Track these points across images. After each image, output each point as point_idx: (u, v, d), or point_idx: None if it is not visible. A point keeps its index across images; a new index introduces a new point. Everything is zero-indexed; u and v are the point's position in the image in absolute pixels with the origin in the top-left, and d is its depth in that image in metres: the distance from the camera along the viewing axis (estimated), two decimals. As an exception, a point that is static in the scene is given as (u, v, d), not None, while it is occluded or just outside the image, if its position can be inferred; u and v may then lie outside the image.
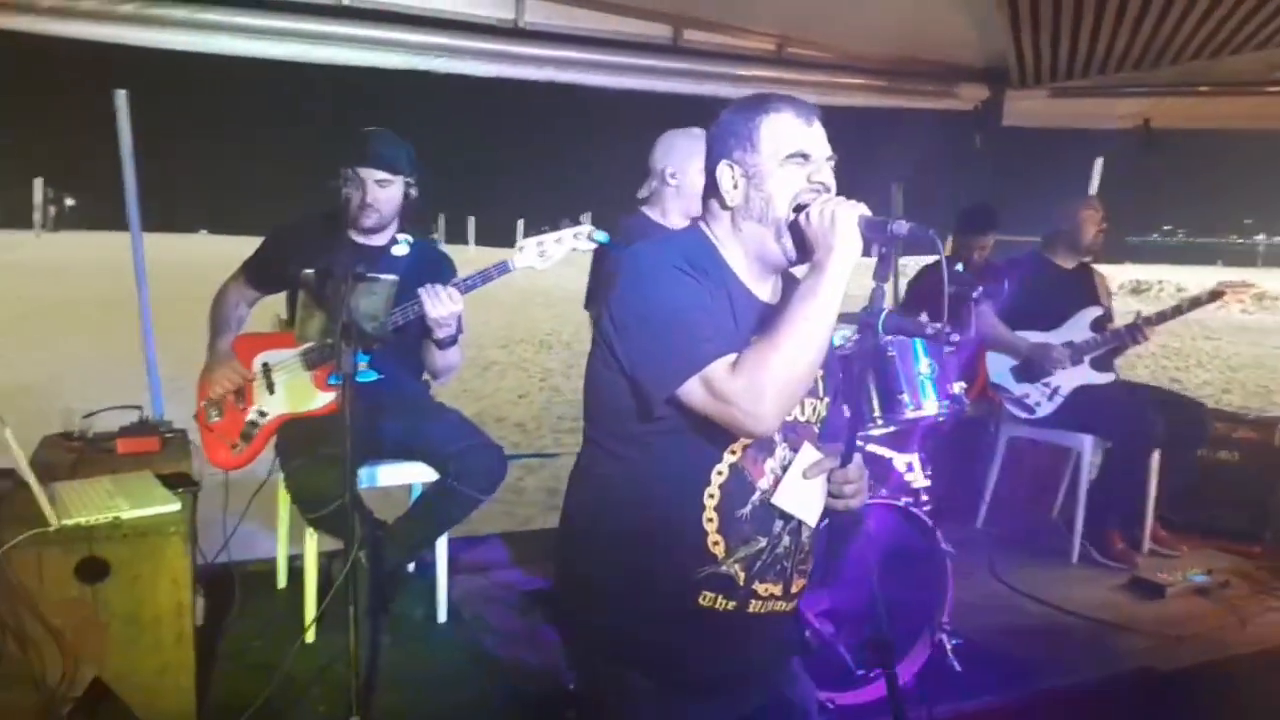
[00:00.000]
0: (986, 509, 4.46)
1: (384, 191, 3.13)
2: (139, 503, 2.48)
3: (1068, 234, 4.34)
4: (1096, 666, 3.17)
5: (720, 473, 1.71)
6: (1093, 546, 4.14)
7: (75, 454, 2.98)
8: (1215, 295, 4.28)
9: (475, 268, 3.06)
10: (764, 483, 1.75)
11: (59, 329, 13.52)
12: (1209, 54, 4.14)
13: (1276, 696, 3.11)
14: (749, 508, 1.74)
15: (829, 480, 1.80)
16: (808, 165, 1.75)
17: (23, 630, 2.29)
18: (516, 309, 18.93)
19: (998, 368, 4.30)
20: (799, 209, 1.72)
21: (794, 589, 1.83)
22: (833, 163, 1.78)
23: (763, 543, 1.76)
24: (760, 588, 1.77)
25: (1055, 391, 4.19)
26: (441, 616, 3.31)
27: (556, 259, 3.00)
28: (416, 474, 3.26)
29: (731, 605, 1.75)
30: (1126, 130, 5.38)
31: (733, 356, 1.62)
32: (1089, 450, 4.17)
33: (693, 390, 1.62)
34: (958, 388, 3.10)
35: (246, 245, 3.56)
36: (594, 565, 1.80)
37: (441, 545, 3.25)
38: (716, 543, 1.71)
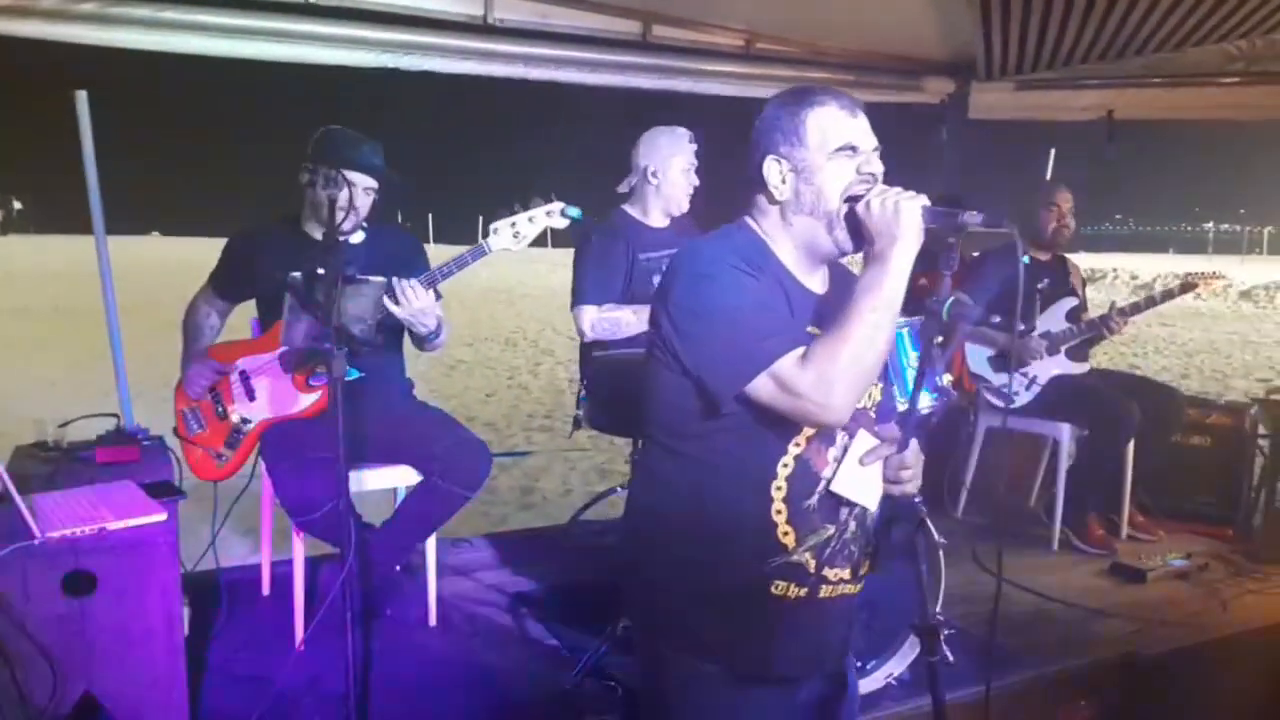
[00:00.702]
0: (966, 498, 4.49)
1: (368, 199, 3.10)
2: (125, 513, 2.41)
3: (1030, 228, 4.39)
4: (1082, 651, 3.20)
5: (786, 465, 1.74)
6: (1072, 533, 4.20)
7: (52, 465, 2.90)
8: (1187, 287, 4.36)
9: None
10: (828, 472, 1.78)
11: (13, 338, 13.22)
12: (1171, 46, 4.22)
13: (1259, 677, 3.17)
14: (815, 498, 1.77)
15: (886, 466, 1.81)
16: (857, 157, 1.76)
17: (9, 647, 2.23)
18: (479, 307, 18.84)
19: (976, 357, 4.34)
20: (851, 200, 1.73)
21: (861, 571, 1.86)
22: (878, 152, 1.79)
23: (831, 530, 1.79)
24: (830, 573, 1.80)
25: (1033, 381, 4.23)
26: (432, 620, 3.28)
27: (530, 238, 2.95)
28: (402, 478, 3.23)
29: (803, 592, 1.78)
30: (1090, 121, 5.46)
31: (800, 350, 1.63)
32: (1067, 438, 4.22)
33: (761, 386, 1.64)
34: (946, 380, 3.11)
35: (201, 247, 3.52)
36: (666, 562, 1.82)
37: (430, 546, 3.22)
38: (786, 533, 1.74)
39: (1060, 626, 3.41)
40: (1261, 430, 4.47)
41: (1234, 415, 4.53)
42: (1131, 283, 27.07)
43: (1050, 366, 4.23)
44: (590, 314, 3.36)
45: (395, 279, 2.89)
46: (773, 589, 1.76)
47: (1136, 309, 4.32)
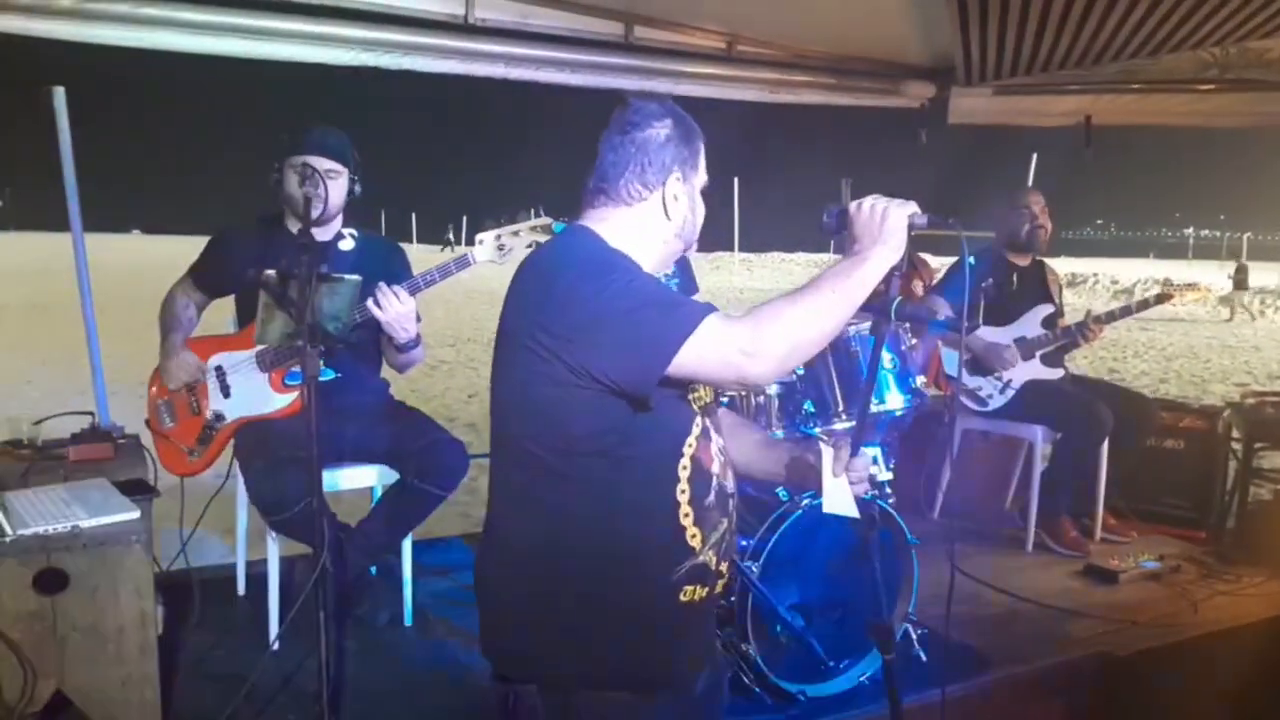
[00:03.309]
0: (942, 499, 4.52)
1: (332, 183, 3.07)
2: (97, 511, 2.41)
3: (1007, 232, 4.42)
4: (1055, 652, 3.23)
5: (685, 467, 1.72)
6: (1047, 535, 4.23)
7: (25, 462, 2.88)
8: (1163, 298, 4.41)
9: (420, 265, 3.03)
10: (715, 467, 1.78)
11: (-12, 335, 13.11)
12: (1147, 53, 4.25)
13: (1229, 677, 3.21)
14: (712, 495, 1.76)
15: (850, 470, 1.86)
16: None
17: (-21, 645, 2.22)
18: (461, 307, 18.81)
19: (952, 360, 4.37)
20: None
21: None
22: None
23: (725, 523, 1.80)
24: (722, 568, 1.81)
25: (1007, 385, 4.26)
26: (408, 620, 3.28)
27: (517, 255, 2.94)
28: (377, 476, 3.22)
29: (705, 592, 1.77)
30: (1068, 127, 5.50)
31: (723, 313, 1.61)
32: (1041, 441, 4.25)
33: (687, 353, 1.56)
34: (919, 382, 3.14)
35: (182, 245, 3.51)
36: (570, 601, 1.70)
37: (406, 547, 3.22)
38: (694, 535, 1.73)
39: (1034, 627, 3.44)
40: (1234, 434, 4.52)
41: (1207, 419, 4.57)
42: (1112, 287, 27.31)
43: (1025, 371, 4.26)
44: None
45: (379, 284, 2.89)
46: (681, 596, 1.72)
47: (1112, 317, 4.37)
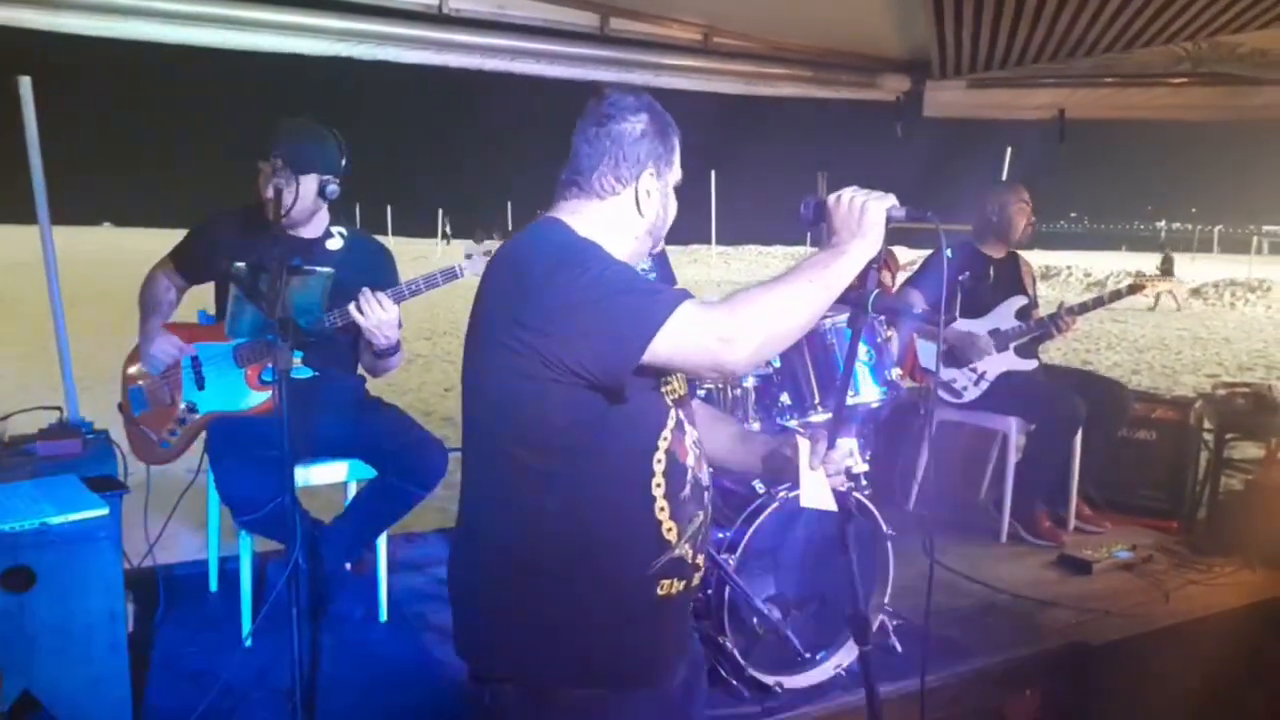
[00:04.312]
0: (917, 491, 4.54)
1: (301, 185, 3.00)
2: (66, 508, 2.37)
3: (997, 225, 4.42)
4: (1029, 642, 3.26)
5: (660, 461, 1.71)
6: (1021, 526, 4.26)
7: (-8, 458, 2.85)
8: (1135, 288, 4.44)
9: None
10: (690, 460, 1.77)
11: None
12: (1120, 47, 4.27)
13: (1200, 665, 3.24)
14: (687, 488, 1.75)
15: (827, 463, 1.86)
16: None
17: (-55, 644, 2.19)
18: (437, 301, 18.67)
19: (926, 353, 4.39)
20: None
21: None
22: None
23: (701, 516, 1.79)
24: (699, 560, 1.80)
25: (981, 377, 4.28)
26: (383, 616, 3.26)
27: None
28: (349, 472, 3.20)
29: (681, 586, 1.76)
30: (1042, 120, 5.53)
31: (697, 299, 1.59)
32: (1015, 432, 4.28)
33: (662, 340, 1.54)
34: (895, 374, 3.15)
35: (153, 238, 3.46)
36: (546, 600, 1.69)
37: (382, 542, 3.20)
38: (670, 529, 1.71)
39: (1008, 617, 3.47)
40: (1206, 425, 4.57)
41: (1179, 410, 4.61)
42: (1085, 280, 27.52)
43: (999, 363, 4.28)
44: None
45: (363, 290, 2.86)
46: (658, 590, 1.72)
47: (1085, 308, 4.40)
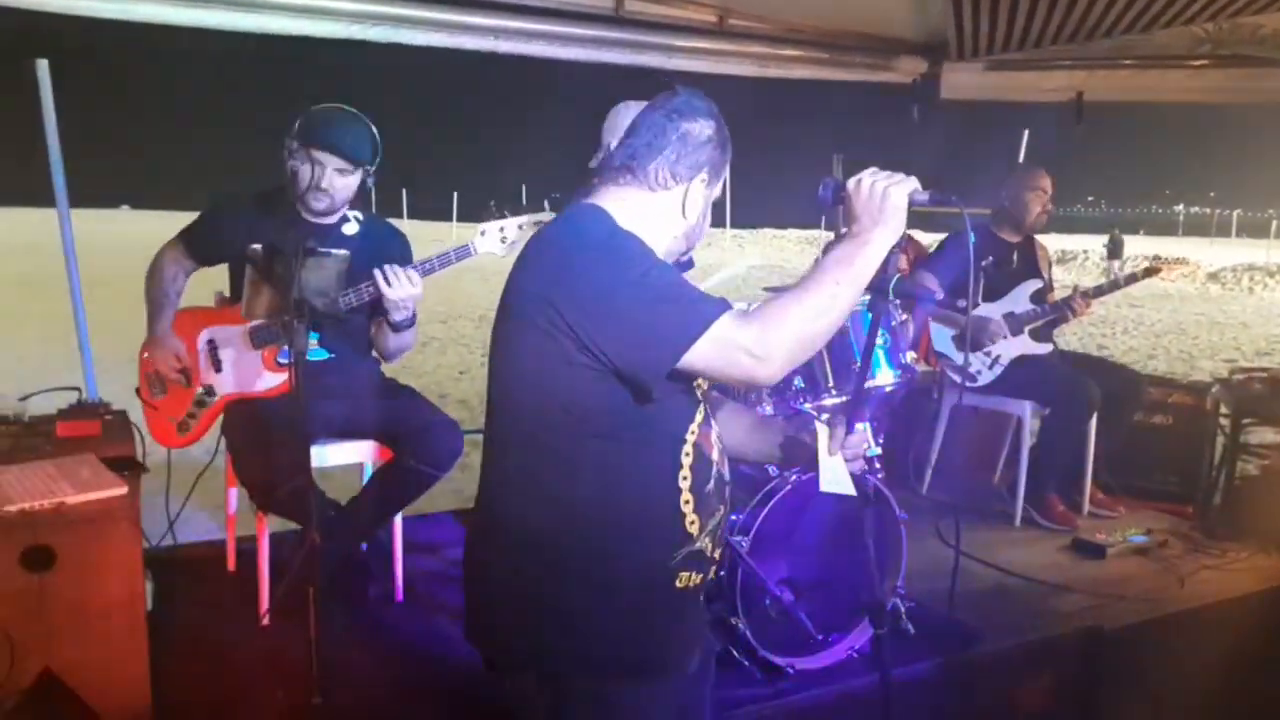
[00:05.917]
0: (931, 475, 4.54)
1: (341, 179, 3.02)
2: (85, 487, 2.39)
3: (1011, 211, 4.40)
4: (1043, 626, 3.25)
5: (688, 454, 1.71)
6: (1035, 510, 4.25)
7: (12, 439, 2.86)
8: (1151, 271, 4.42)
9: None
10: (715, 455, 1.77)
11: (-26, 311, 13.02)
12: (1139, 29, 4.23)
13: (1215, 651, 3.23)
14: (711, 482, 1.75)
15: (845, 448, 1.87)
16: None
17: (-35, 622, 2.21)
18: (452, 284, 18.68)
19: (940, 337, 4.37)
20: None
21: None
22: None
23: (722, 510, 1.80)
24: (716, 554, 1.81)
25: (995, 360, 4.27)
26: (398, 596, 3.28)
27: (520, 244, 2.92)
28: (366, 453, 3.22)
29: (699, 579, 1.77)
30: (1060, 103, 5.49)
31: (735, 311, 1.59)
32: (1029, 416, 4.27)
33: (699, 350, 1.55)
34: (910, 357, 3.14)
35: (171, 221, 3.46)
36: (572, 588, 1.68)
37: (397, 524, 3.22)
38: (693, 522, 1.72)
39: (1021, 601, 3.47)
40: (1222, 410, 4.54)
41: (1195, 395, 4.59)
42: (1102, 264, 27.29)
43: (1014, 346, 4.27)
44: None
45: (392, 265, 2.86)
46: (677, 582, 1.72)
47: (1100, 292, 4.37)
